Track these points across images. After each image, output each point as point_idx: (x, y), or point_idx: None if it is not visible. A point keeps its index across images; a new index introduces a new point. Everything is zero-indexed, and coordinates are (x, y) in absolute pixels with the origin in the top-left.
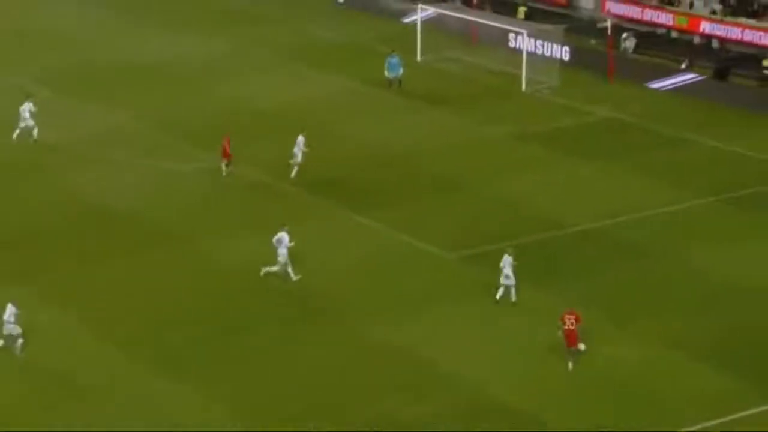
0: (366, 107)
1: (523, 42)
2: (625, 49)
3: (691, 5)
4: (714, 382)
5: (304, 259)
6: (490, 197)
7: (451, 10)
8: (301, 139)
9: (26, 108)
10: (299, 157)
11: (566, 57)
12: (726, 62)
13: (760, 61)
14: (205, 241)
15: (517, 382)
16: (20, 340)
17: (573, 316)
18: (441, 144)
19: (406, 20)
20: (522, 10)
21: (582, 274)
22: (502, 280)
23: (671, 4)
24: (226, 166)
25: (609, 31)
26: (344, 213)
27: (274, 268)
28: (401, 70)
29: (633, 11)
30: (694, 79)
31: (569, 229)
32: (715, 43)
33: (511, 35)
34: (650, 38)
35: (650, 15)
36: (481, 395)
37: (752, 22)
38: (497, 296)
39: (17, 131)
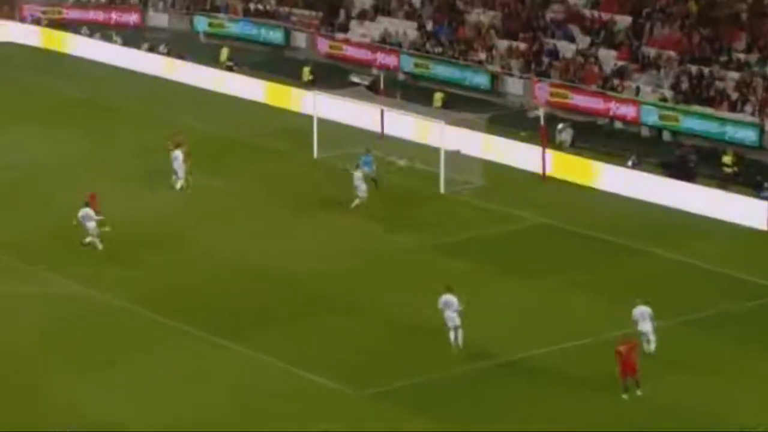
0: (237, 212)
1: (441, 135)
2: (562, 143)
3: (638, 91)
4: None
5: (161, 399)
6: (400, 321)
7: (354, 97)
8: None
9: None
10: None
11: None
12: (680, 158)
13: (719, 156)
14: (50, 377)
15: None
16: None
17: (629, 345)
18: (339, 256)
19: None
20: (439, 97)
21: (516, 413)
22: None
23: (614, 89)
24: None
25: (542, 122)
26: (211, 338)
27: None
28: (374, 167)
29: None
30: (645, 178)
31: (498, 359)
32: (666, 135)
33: (427, 127)
34: (590, 129)
35: (590, 102)
36: None
37: (709, 111)
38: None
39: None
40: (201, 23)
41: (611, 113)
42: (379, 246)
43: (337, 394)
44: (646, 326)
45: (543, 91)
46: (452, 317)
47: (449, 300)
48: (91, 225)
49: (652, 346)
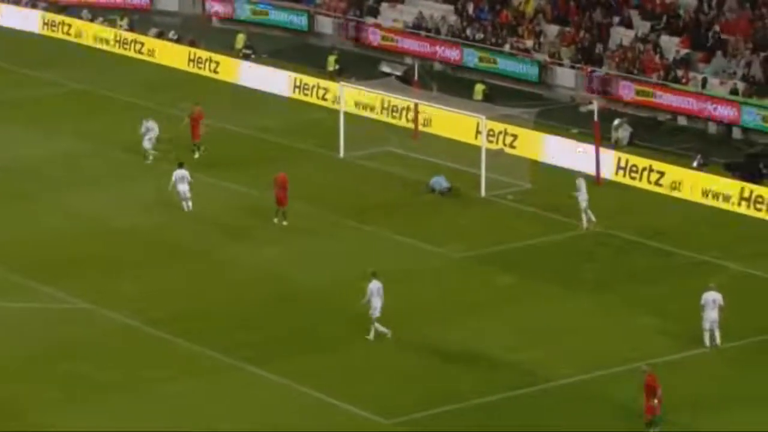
0: (257, 225)
1: (482, 131)
2: (618, 141)
3: (704, 83)
4: None
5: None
6: (438, 344)
7: (386, 90)
8: None
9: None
10: None
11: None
12: (753, 158)
13: None
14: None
15: None
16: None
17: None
18: (365, 274)
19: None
20: (480, 89)
21: None
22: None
23: (677, 81)
24: (280, 214)
25: (596, 117)
26: (239, 364)
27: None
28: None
29: (627, 91)
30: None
31: (548, 383)
32: (736, 133)
33: (466, 122)
34: (650, 126)
35: (650, 96)
36: None
37: None
38: (708, 343)
39: None
40: (215, 6)
41: (674, 108)
42: (414, 258)
43: (362, 423)
44: (712, 315)
45: (597, 82)
46: (379, 307)
47: (379, 287)
48: (184, 188)
49: (717, 339)
